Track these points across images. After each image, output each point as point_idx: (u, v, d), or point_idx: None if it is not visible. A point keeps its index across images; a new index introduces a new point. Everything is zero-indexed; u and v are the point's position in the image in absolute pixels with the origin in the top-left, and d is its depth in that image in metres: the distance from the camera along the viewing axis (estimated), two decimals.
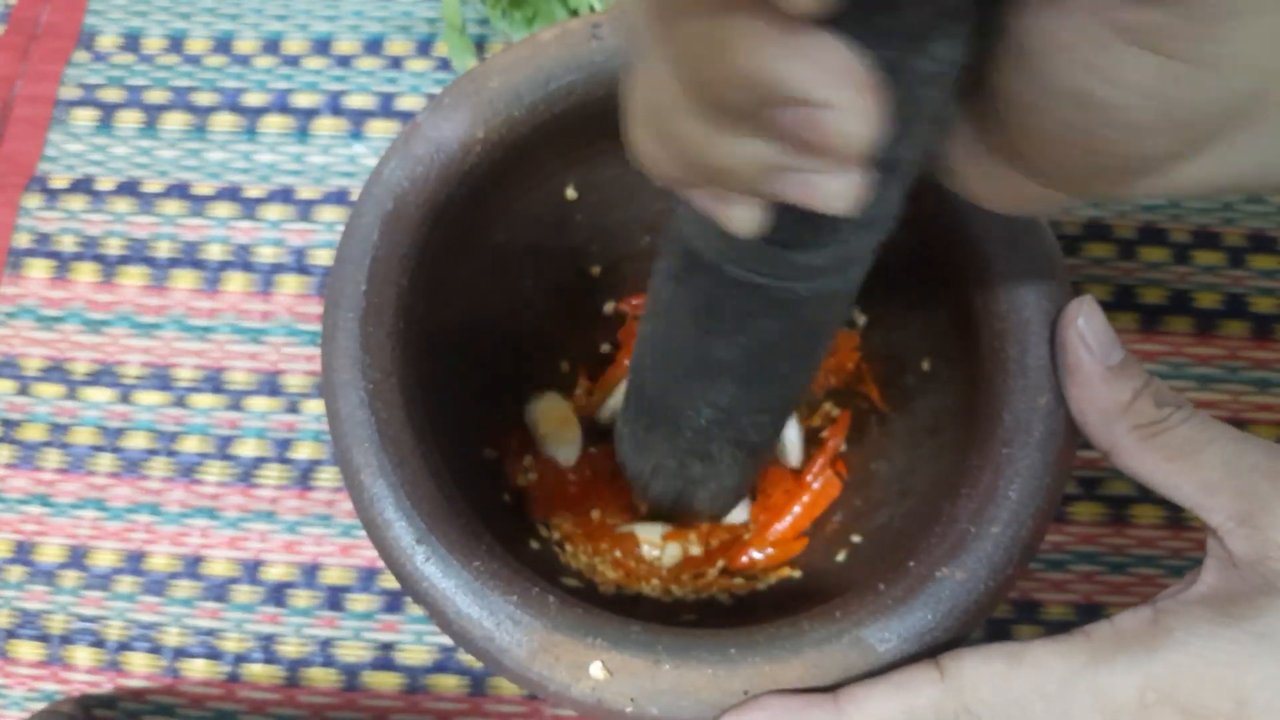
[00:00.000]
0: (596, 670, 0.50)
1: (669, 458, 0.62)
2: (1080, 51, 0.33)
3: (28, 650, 0.76)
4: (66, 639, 0.76)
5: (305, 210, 0.85)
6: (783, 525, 0.70)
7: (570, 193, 0.67)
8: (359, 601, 0.76)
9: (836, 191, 0.33)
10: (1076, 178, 0.39)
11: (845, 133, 0.30)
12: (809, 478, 0.70)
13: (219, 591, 0.76)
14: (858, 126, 0.30)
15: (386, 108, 0.88)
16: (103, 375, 0.81)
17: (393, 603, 0.76)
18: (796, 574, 0.67)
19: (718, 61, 0.31)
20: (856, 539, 0.66)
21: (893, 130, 0.32)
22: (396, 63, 0.89)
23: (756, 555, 0.69)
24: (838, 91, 0.30)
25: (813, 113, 0.30)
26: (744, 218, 0.37)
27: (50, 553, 0.78)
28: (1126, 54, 0.32)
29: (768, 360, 0.51)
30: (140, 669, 0.75)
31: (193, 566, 0.77)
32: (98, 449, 0.80)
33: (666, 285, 0.50)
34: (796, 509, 0.70)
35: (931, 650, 0.51)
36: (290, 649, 0.75)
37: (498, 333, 0.68)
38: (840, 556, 0.66)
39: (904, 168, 0.39)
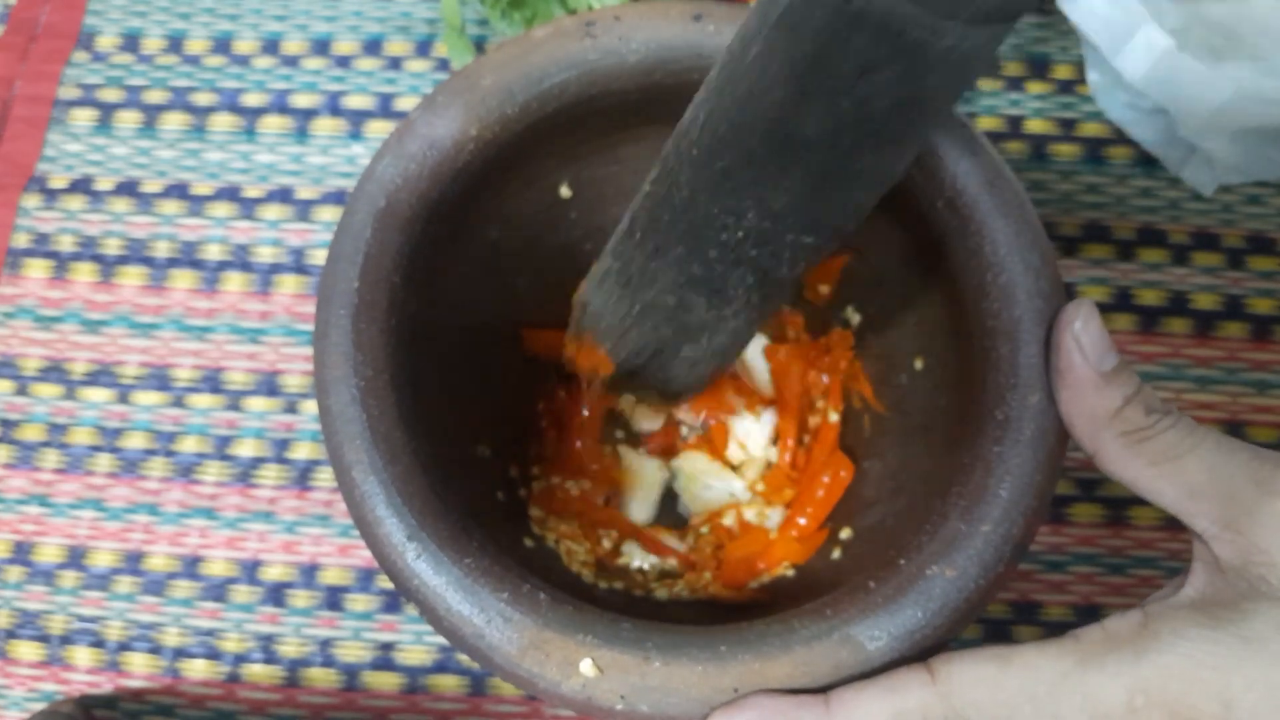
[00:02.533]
0: (586, 667, 0.50)
1: (669, 292, 0.58)
2: None
3: (27, 650, 0.76)
4: (66, 639, 0.76)
5: (304, 210, 0.85)
6: (805, 519, 0.70)
7: (564, 190, 0.67)
8: (358, 601, 0.76)
9: None
10: None
11: None
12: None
13: (218, 592, 0.76)
14: None
15: (385, 108, 0.88)
16: (101, 375, 0.81)
17: (392, 603, 0.76)
18: (790, 571, 0.67)
19: None
20: (849, 536, 0.66)
21: None
22: (395, 63, 0.89)
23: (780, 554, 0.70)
24: None
25: None
26: None
27: (49, 553, 0.78)
28: None
29: (858, 144, 0.47)
30: (140, 669, 0.75)
31: (192, 567, 0.77)
32: (96, 449, 0.80)
33: (758, 39, 0.45)
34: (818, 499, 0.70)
35: (921, 648, 0.51)
36: (290, 649, 0.75)
37: (491, 330, 0.68)
38: (834, 554, 0.66)
39: None
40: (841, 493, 0.69)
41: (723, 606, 0.66)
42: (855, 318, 0.70)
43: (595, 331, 0.65)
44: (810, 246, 0.54)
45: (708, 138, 0.50)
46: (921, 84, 0.44)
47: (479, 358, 0.67)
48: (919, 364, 0.65)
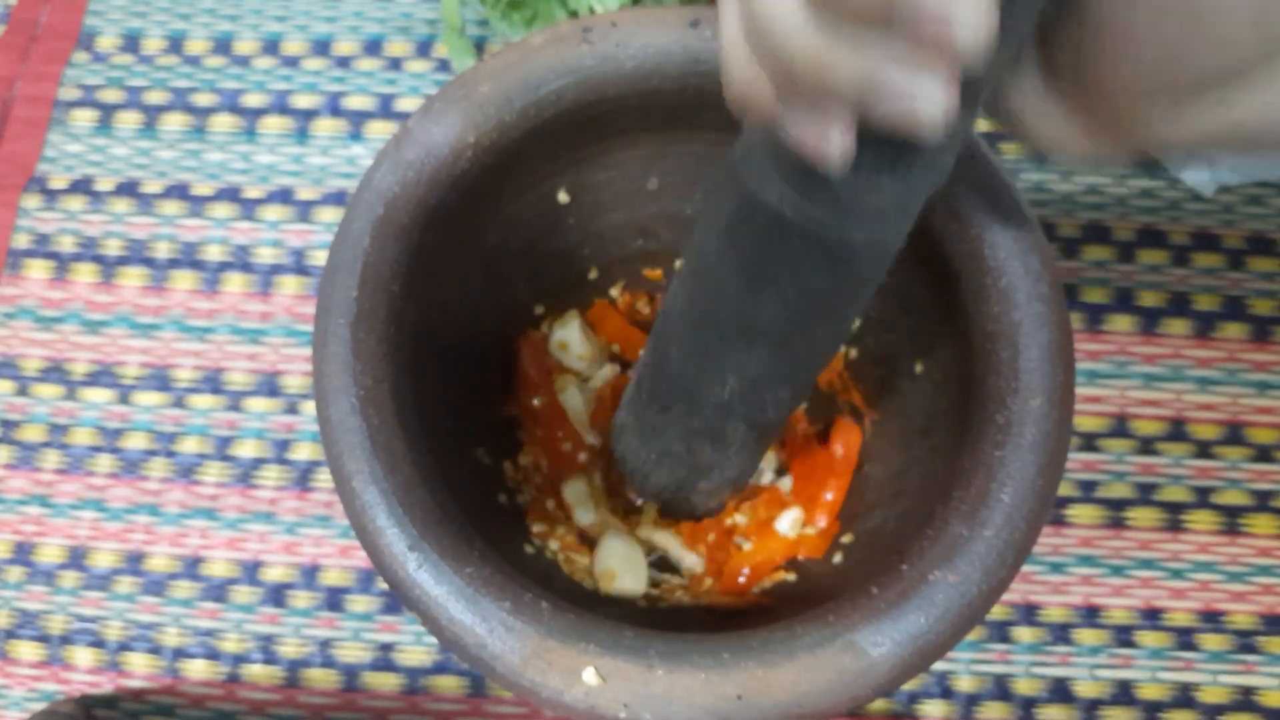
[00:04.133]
0: (589, 676, 0.49)
1: (678, 441, 0.62)
2: None
3: (28, 650, 0.76)
4: (66, 639, 0.76)
5: (304, 211, 0.85)
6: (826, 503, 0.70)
7: (562, 196, 0.67)
8: (358, 602, 0.76)
9: (931, 106, 0.35)
10: (1142, 104, 0.39)
11: (962, 35, 0.32)
12: (836, 446, 0.70)
13: (218, 592, 0.76)
14: (974, 28, 0.32)
15: (386, 109, 0.88)
16: (102, 376, 0.81)
17: (392, 604, 0.76)
18: (791, 576, 0.67)
19: None
20: (850, 540, 0.66)
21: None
22: (396, 64, 0.89)
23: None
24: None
25: (938, 12, 0.32)
26: (834, 143, 0.38)
27: (50, 553, 0.78)
28: None
29: (809, 319, 0.51)
30: (140, 669, 0.75)
31: (192, 567, 0.77)
32: (97, 449, 0.80)
33: (712, 242, 0.50)
34: (829, 495, 0.70)
35: (924, 653, 0.51)
36: (290, 649, 0.75)
37: (490, 336, 0.68)
38: (836, 559, 0.66)
39: (980, 94, 0.40)
40: (851, 469, 0.70)
41: (724, 613, 0.66)
42: (855, 322, 0.69)
43: (625, 471, 0.69)
44: (788, 395, 0.59)
45: (688, 322, 0.55)
46: (848, 273, 0.48)
47: (479, 363, 0.67)
48: (919, 368, 0.65)
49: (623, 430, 0.67)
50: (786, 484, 0.72)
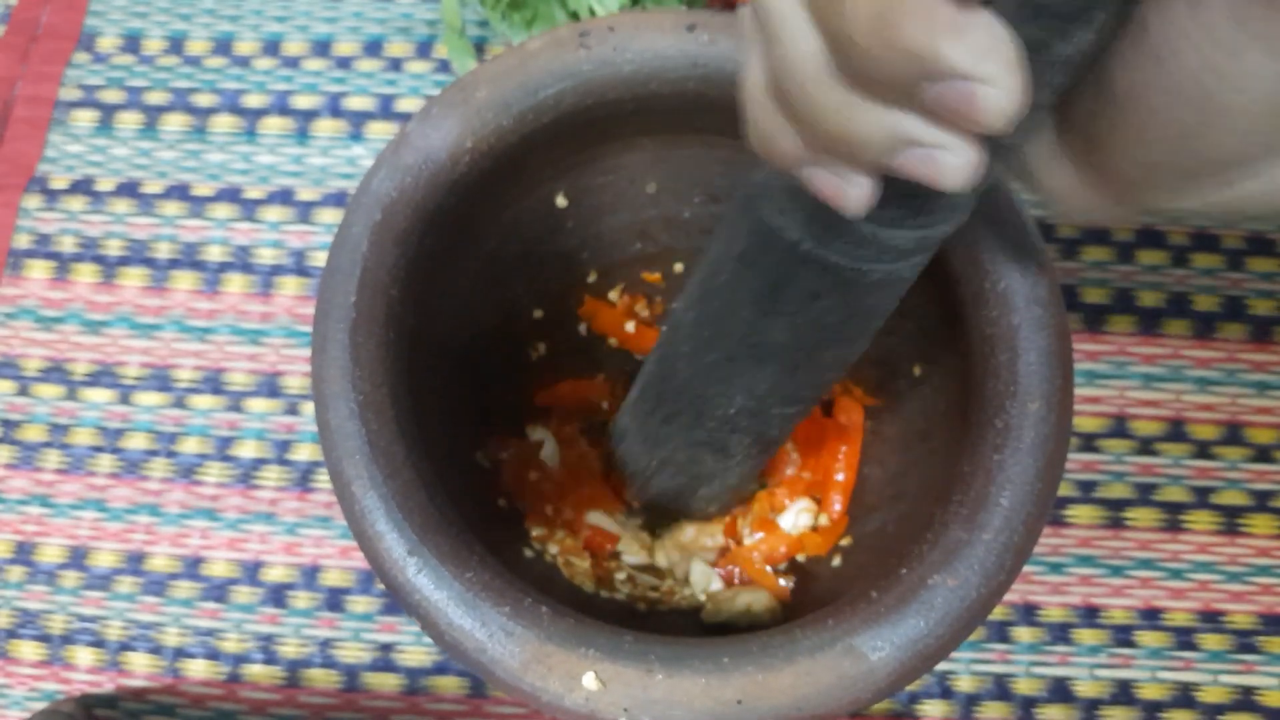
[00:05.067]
0: (589, 681, 0.50)
1: (681, 450, 0.62)
2: (1207, 50, 0.33)
3: (28, 650, 0.76)
4: (67, 639, 0.76)
5: (305, 212, 0.85)
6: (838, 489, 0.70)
7: (561, 200, 0.67)
8: (359, 603, 0.76)
9: (957, 167, 0.35)
10: (1150, 176, 0.39)
11: (993, 109, 0.32)
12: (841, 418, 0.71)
13: (219, 592, 0.76)
14: (1005, 104, 0.32)
15: (386, 109, 0.88)
16: (102, 376, 0.81)
17: (392, 604, 0.76)
18: (789, 581, 0.67)
19: (884, 32, 0.32)
20: (849, 543, 0.66)
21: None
22: (396, 64, 0.89)
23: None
24: (993, 68, 0.31)
25: (967, 87, 0.31)
26: (857, 195, 0.39)
27: (50, 553, 0.78)
28: (1253, 55, 0.32)
29: (819, 345, 0.52)
30: (141, 669, 0.75)
31: (193, 567, 0.77)
32: (97, 450, 0.80)
33: (726, 267, 0.50)
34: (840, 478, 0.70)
35: (924, 657, 0.51)
36: (290, 650, 0.75)
37: (490, 340, 0.68)
38: (835, 562, 0.66)
39: (1012, 152, 0.40)
40: (858, 443, 0.70)
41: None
42: (864, 347, 0.70)
43: (624, 473, 0.69)
44: (793, 414, 0.59)
45: (695, 340, 0.56)
46: (861, 305, 0.49)
47: (478, 367, 0.67)
48: (917, 370, 0.65)
49: (624, 435, 0.67)
50: (793, 459, 0.72)
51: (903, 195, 0.39)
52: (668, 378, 0.59)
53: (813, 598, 0.62)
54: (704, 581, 0.70)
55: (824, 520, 0.69)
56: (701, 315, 0.54)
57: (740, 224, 0.48)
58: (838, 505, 0.69)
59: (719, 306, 0.52)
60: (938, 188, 0.35)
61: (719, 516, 0.72)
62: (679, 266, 0.72)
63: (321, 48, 0.90)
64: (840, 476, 0.69)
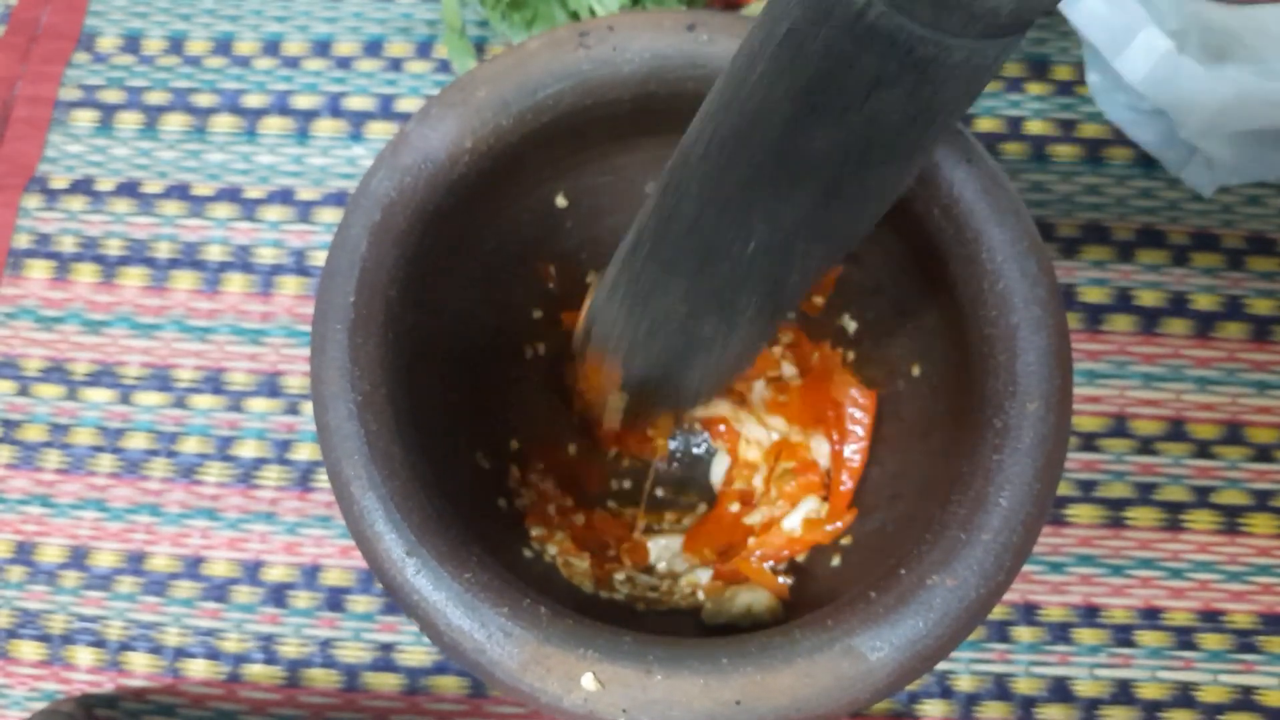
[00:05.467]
0: (588, 682, 0.50)
1: (681, 303, 0.58)
2: None
3: (29, 650, 0.76)
4: (67, 639, 0.76)
5: (305, 211, 0.85)
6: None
7: (560, 200, 0.67)
8: (359, 603, 0.76)
9: None
10: None
11: None
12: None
13: (219, 592, 0.77)
14: None
15: (386, 109, 0.88)
16: (103, 376, 0.81)
17: (393, 604, 0.76)
18: (788, 580, 0.67)
19: None
20: (848, 543, 0.66)
21: None
22: (396, 64, 0.89)
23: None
24: None
25: None
26: None
27: (51, 553, 0.78)
28: None
29: (868, 158, 0.47)
30: (141, 669, 0.75)
31: (193, 567, 0.77)
32: (98, 449, 0.80)
33: (762, 57, 0.45)
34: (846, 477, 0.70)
35: (923, 657, 0.51)
36: (290, 649, 0.75)
37: (489, 340, 0.68)
38: (834, 562, 0.66)
39: None
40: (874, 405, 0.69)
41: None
42: (852, 325, 0.69)
43: (605, 349, 0.64)
44: (820, 257, 0.54)
45: (715, 153, 0.50)
46: (931, 99, 0.43)
47: (477, 367, 0.67)
48: (916, 370, 0.65)
49: (609, 299, 0.63)
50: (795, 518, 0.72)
51: None
52: (671, 217, 0.55)
53: (811, 598, 0.62)
54: (699, 578, 0.70)
55: (823, 509, 0.70)
56: (724, 123, 0.49)
57: (780, 9, 0.43)
58: (847, 482, 0.69)
59: (751, 108, 0.47)
60: None
61: (708, 400, 0.70)
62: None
63: (321, 48, 0.90)
64: (855, 459, 0.69)
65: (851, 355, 0.70)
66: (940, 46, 0.40)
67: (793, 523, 0.69)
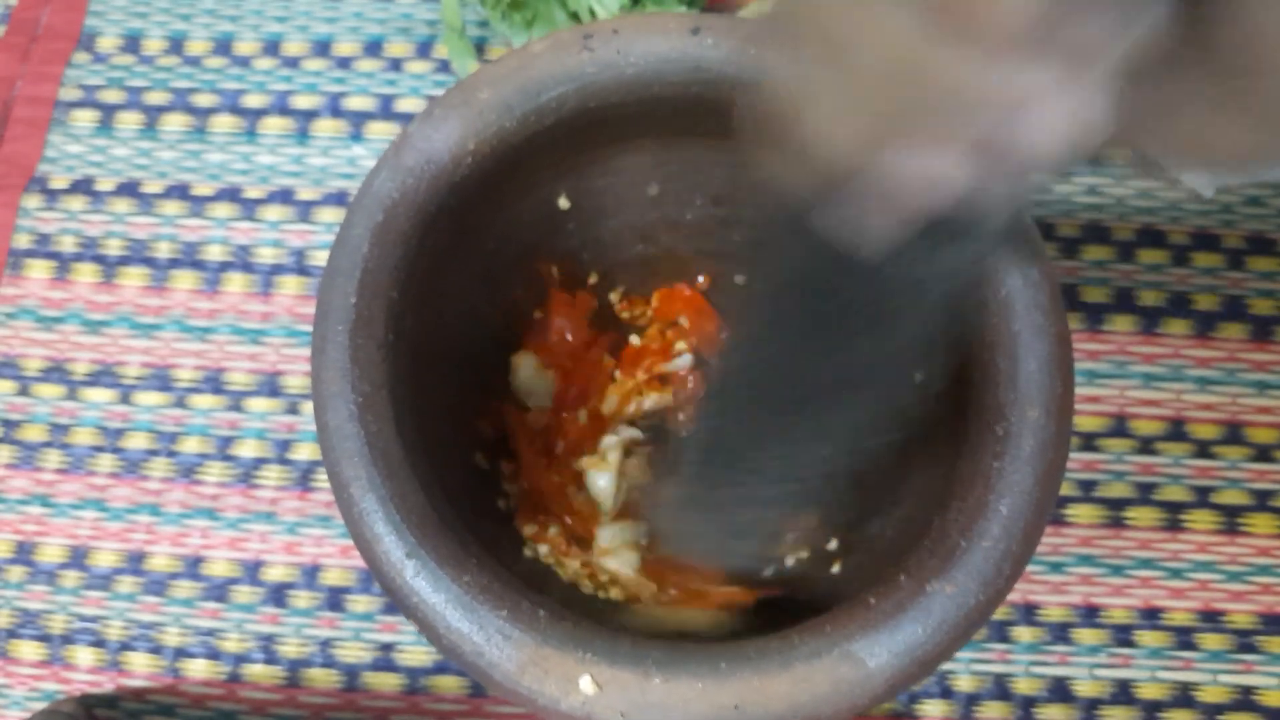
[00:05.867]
0: (586, 684, 0.50)
1: (727, 510, 0.59)
2: None
3: (29, 650, 0.76)
4: (67, 639, 0.76)
5: (305, 211, 0.85)
6: None
7: (562, 202, 0.67)
8: (359, 602, 0.76)
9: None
10: None
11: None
12: None
13: (219, 592, 0.77)
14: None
15: (386, 109, 0.88)
16: (103, 376, 0.81)
17: (393, 604, 0.76)
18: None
19: None
20: (847, 548, 0.66)
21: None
22: (396, 65, 0.89)
23: None
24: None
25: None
26: (882, 234, 0.37)
27: (51, 553, 0.78)
28: None
29: (861, 378, 0.49)
30: (141, 669, 0.75)
31: (193, 567, 0.77)
32: (98, 449, 0.80)
33: (770, 298, 0.48)
34: None
35: (921, 664, 0.51)
36: (290, 649, 0.75)
37: (490, 342, 0.68)
38: (834, 568, 0.66)
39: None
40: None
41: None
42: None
43: (695, 556, 0.66)
44: (839, 465, 0.55)
45: (741, 389, 0.52)
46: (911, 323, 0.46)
47: (478, 368, 0.67)
48: (917, 376, 0.65)
49: (676, 524, 0.64)
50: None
51: (934, 233, 0.37)
52: (716, 440, 0.57)
53: (810, 604, 0.61)
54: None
55: None
56: (745, 360, 0.52)
57: (793, 250, 0.45)
58: None
59: (764, 346, 0.50)
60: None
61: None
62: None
63: (321, 48, 0.90)
64: None
65: None
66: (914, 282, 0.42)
67: None
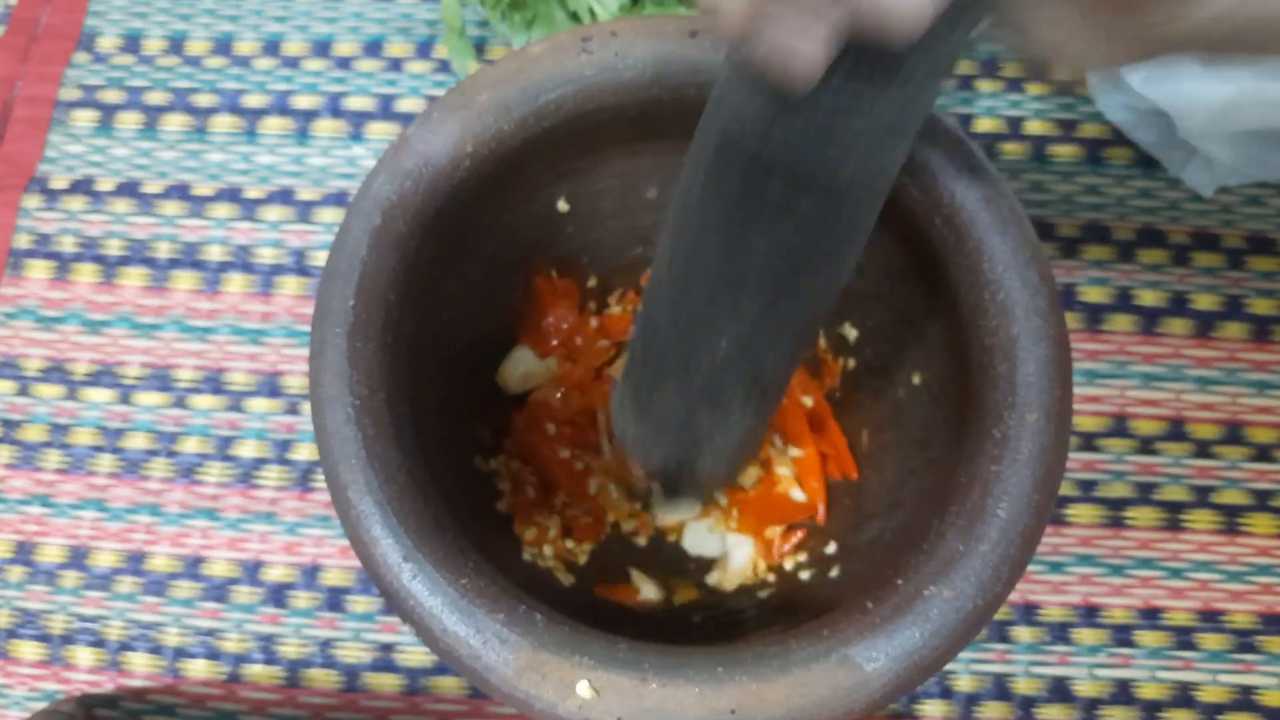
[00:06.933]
0: (583, 689, 0.50)
1: (677, 408, 0.60)
2: None
3: (29, 650, 0.76)
4: (67, 639, 0.76)
5: (305, 211, 0.85)
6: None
7: (561, 205, 0.67)
8: (359, 603, 0.76)
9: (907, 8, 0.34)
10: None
11: None
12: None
13: (219, 592, 0.77)
14: None
15: (386, 109, 0.88)
16: (103, 376, 0.82)
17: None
18: (786, 588, 0.67)
19: None
20: (846, 552, 0.66)
21: None
22: (396, 65, 0.89)
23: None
24: None
25: None
26: (810, 55, 0.38)
27: (51, 553, 0.78)
28: None
29: (799, 268, 0.50)
30: (141, 669, 0.75)
31: (193, 567, 0.77)
32: (98, 449, 0.80)
33: (694, 193, 0.49)
34: None
35: (919, 668, 0.51)
36: (290, 649, 0.75)
37: (488, 344, 0.68)
38: (832, 572, 0.66)
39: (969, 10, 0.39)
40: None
41: (720, 621, 0.66)
42: (852, 333, 0.69)
43: (629, 450, 0.67)
44: (788, 348, 0.57)
45: (679, 268, 0.53)
46: (838, 208, 0.47)
47: (477, 371, 0.67)
48: (916, 379, 0.65)
49: (621, 406, 0.66)
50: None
51: (856, 63, 0.39)
52: (651, 334, 0.58)
53: (807, 608, 0.61)
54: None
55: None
56: (674, 254, 0.53)
57: (703, 140, 0.48)
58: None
59: (691, 240, 0.52)
60: (887, 27, 0.35)
61: (729, 485, 0.72)
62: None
63: (321, 48, 0.90)
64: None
65: (852, 363, 0.70)
66: (829, 165, 0.44)
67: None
